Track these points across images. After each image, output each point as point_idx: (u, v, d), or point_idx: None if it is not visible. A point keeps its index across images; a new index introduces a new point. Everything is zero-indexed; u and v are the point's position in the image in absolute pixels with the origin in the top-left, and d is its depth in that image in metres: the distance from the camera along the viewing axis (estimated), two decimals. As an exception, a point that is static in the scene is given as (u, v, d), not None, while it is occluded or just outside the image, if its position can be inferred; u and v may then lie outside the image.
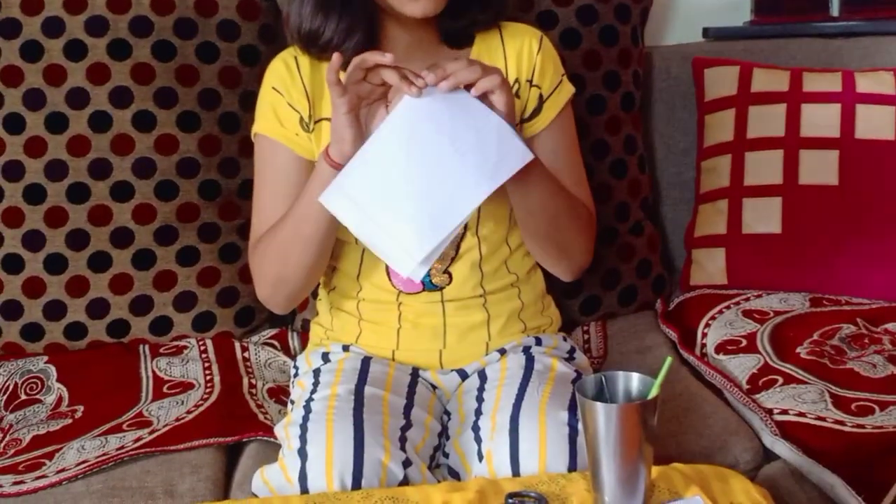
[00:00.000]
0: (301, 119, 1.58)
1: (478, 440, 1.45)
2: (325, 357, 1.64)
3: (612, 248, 1.99)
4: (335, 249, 1.63)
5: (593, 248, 1.67)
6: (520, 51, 1.60)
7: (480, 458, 1.43)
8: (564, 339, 1.69)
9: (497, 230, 1.61)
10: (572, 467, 1.38)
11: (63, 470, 1.55)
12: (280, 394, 1.76)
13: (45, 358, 1.88)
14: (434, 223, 1.39)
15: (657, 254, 2.06)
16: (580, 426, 1.37)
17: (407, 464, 1.41)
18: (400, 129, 1.40)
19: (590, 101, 1.99)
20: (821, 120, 2.01)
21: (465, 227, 1.58)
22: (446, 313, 1.61)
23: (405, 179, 1.39)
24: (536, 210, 1.54)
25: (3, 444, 1.66)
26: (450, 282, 1.60)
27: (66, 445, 1.62)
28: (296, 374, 1.68)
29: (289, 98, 1.58)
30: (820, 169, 1.98)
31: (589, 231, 1.65)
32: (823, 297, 1.94)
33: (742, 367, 1.76)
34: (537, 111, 1.61)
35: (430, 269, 1.58)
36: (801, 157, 2.00)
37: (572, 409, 1.43)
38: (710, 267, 2.03)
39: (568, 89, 1.66)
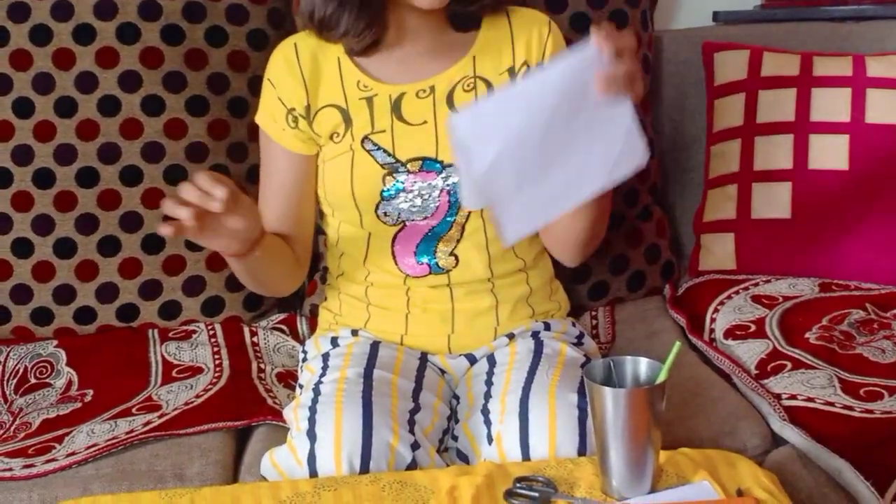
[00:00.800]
0: (289, 113, 1.58)
1: (487, 423, 1.45)
2: (335, 341, 1.64)
3: (620, 233, 1.98)
4: (342, 232, 1.63)
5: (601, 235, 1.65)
6: (529, 36, 1.59)
7: (490, 440, 1.43)
8: (573, 325, 1.69)
9: None
10: (582, 449, 1.38)
11: (73, 454, 1.56)
12: (289, 378, 1.77)
13: (55, 342, 1.89)
14: (540, 206, 1.33)
15: (666, 239, 2.06)
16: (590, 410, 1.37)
17: (415, 447, 1.41)
18: (550, 91, 1.27)
19: (599, 86, 1.98)
20: (831, 104, 2.00)
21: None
22: (454, 298, 1.61)
23: (535, 144, 1.29)
24: (587, 209, 1.51)
25: (13, 428, 1.66)
26: (456, 264, 1.60)
27: (76, 429, 1.63)
28: (304, 359, 1.68)
29: (279, 91, 1.58)
30: (830, 154, 1.97)
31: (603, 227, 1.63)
32: (833, 283, 1.94)
33: (751, 352, 1.75)
34: None
35: (435, 252, 1.59)
36: (810, 142, 1.99)
37: (582, 391, 1.43)
38: (719, 252, 2.03)
39: None
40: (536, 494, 1.25)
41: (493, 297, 1.62)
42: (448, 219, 1.57)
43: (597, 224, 1.58)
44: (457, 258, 1.60)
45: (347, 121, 1.57)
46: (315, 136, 1.59)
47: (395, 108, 1.56)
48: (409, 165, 1.55)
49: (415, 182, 1.55)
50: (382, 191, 1.55)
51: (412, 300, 1.61)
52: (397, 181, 1.55)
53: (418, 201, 1.56)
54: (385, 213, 1.57)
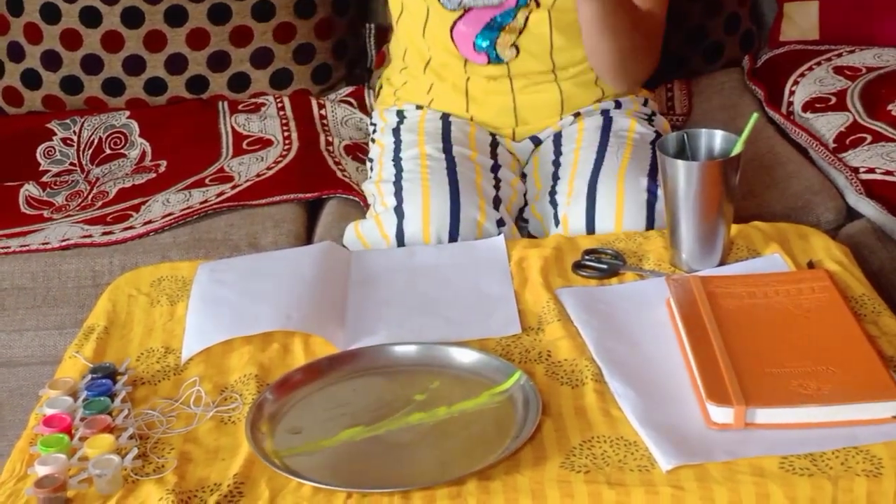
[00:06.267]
0: None
1: (554, 204, 1.45)
2: (400, 115, 1.62)
3: (698, 2, 1.91)
4: (405, 4, 1.57)
5: (655, 64, 1.56)
6: None
7: (557, 222, 1.43)
8: (645, 103, 1.64)
9: (573, 8, 1.50)
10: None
11: (149, 222, 1.60)
12: (357, 151, 1.77)
13: (127, 113, 1.91)
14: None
15: (746, 7, 1.98)
16: (660, 192, 1.36)
17: (501, 223, 1.42)
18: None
19: None
20: None
21: (538, 2, 1.50)
22: (515, 89, 1.56)
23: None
24: (604, 27, 1.44)
25: (91, 196, 1.71)
26: (516, 55, 1.54)
27: (152, 198, 1.66)
28: (374, 131, 1.68)
29: None
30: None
31: (651, 52, 1.53)
32: (920, 53, 1.87)
33: (830, 125, 1.71)
34: None
35: (496, 43, 1.53)
36: None
37: (652, 174, 1.41)
38: (803, 21, 1.95)
39: None
40: (605, 266, 1.26)
41: (556, 88, 1.57)
42: (513, 9, 1.50)
43: (620, 49, 1.47)
44: (517, 49, 1.53)
45: None
46: None
47: None
48: None
49: None
50: None
51: (472, 88, 1.57)
52: None
53: None
54: None
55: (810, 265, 1.23)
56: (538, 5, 1.51)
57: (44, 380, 1.13)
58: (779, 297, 1.14)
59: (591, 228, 1.39)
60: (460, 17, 1.53)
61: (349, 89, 1.94)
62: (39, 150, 1.84)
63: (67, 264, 1.56)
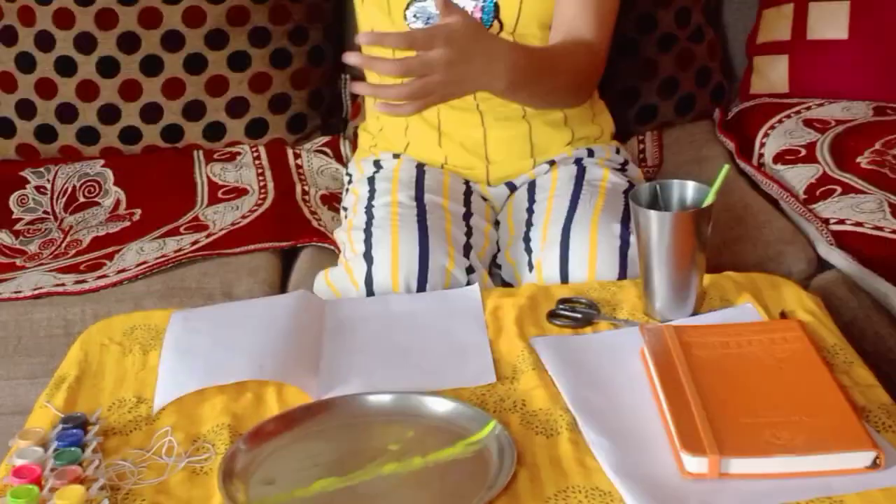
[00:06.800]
0: None
1: (528, 251, 1.45)
2: (377, 164, 1.63)
3: (670, 54, 1.93)
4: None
5: (596, 85, 1.61)
6: None
7: (531, 268, 1.43)
8: (617, 151, 1.66)
9: (537, 35, 1.53)
10: (622, 279, 1.38)
11: (123, 270, 1.59)
12: (333, 201, 1.77)
13: (102, 161, 1.90)
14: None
15: (717, 61, 2.00)
16: (632, 238, 1.37)
17: (470, 271, 1.42)
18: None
19: None
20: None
21: (501, 26, 1.52)
22: (485, 124, 1.57)
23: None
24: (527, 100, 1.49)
25: (64, 245, 1.70)
26: None
27: (125, 247, 1.66)
28: (349, 181, 1.68)
29: None
30: (891, -29, 1.90)
31: (587, 86, 1.56)
32: (888, 106, 1.89)
33: (800, 177, 1.73)
34: None
35: None
36: (871, -41, 1.91)
37: (625, 221, 1.42)
38: (772, 75, 1.98)
39: None
40: (579, 315, 1.26)
41: (525, 125, 1.58)
42: None
43: (553, 96, 1.51)
44: None
45: None
46: None
47: None
48: None
49: None
50: None
51: (444, 122, 1.58)
52: None
53: None
54: (414, 16, 1.52)
55: (783, 315, 1.24)
56: (501, 28, 1.52)
57: (14, 430, 1.11)
58: (752, 346, 1.14)
59: (564, 274, 1.40)
60: None
61: (325, 139, 1.95)
62: (13, 198, 1.84)
63: (39, 313, 1.55)
